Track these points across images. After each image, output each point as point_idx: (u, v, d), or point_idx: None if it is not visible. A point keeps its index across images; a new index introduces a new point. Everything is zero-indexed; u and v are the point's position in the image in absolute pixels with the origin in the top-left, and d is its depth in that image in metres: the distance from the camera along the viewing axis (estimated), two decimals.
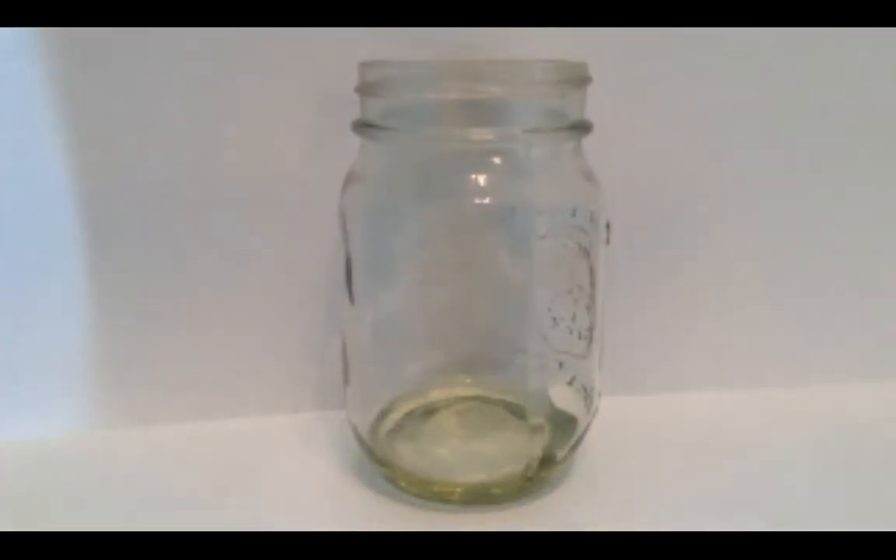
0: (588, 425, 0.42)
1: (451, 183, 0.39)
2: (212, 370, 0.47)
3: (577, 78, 0.39)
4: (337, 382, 0.43)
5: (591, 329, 0.40)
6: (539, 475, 0.40)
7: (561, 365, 0.40)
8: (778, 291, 0.50)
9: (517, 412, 0.43)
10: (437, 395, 0.44)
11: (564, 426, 0.41)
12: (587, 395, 0.41)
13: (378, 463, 0.41)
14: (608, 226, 0.41)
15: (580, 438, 0.42)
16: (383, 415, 0.43)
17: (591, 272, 0.40)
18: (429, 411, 0.44)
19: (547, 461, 0.40)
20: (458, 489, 0.40)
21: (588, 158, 0.40)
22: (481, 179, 0.38)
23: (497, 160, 0.38)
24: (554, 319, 0.40)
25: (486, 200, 0.38)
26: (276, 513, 0.40)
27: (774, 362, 0.51)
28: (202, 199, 0.45)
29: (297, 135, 0.44)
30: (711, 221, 0.49)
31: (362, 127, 0.39)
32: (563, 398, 0.41)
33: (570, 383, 0.41)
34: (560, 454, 0.41)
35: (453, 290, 0.42)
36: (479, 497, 0.40)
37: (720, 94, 0.47)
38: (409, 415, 0.43)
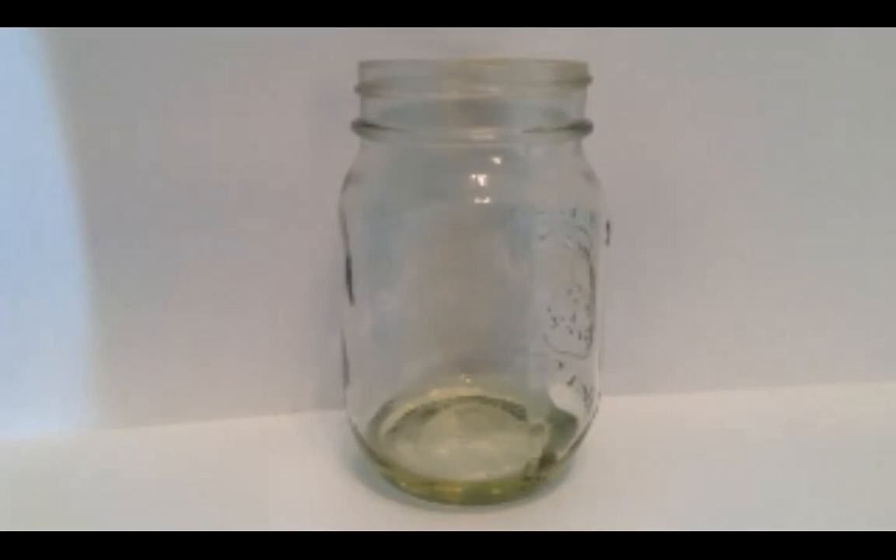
0: (588, 425, 0.42)
1: (451, 183, 0.39)
2: (212, 370, 0.47)
3: (577, 78, 0.39)
4: (337, 382, 0.43)
5: (591, 329, 0.41)
6: (539, 475, 0.40)
7: (561, 365, 0.40)
8: (778, 291, 0.50)
9: (517, 412, 0.43)
10: (437, 395, 0.44)
11: (564, 426, 0.41)
12: (587, 395, 0.41)
13: (378, 463, 0.41)
14: (608, 226, 0.41)
15: (580, 438, 0.42)
16: (383, 414, 0.43)
17: (591, 272, 0.40)
18: (429, 411, 0.44)
19: (547, 461, 0.40)
20: (457, 489, 0.40)
21: (588, 158, 0.40)
22: (481, 179, 0.38)
23: (497, 160, 0.38)
24: (554, 319, 0.40)
25: (486, 200, 0.38)
26: (276, 512, 0.40)
27: (775, 362, 0.51)
28: (202, 200, 0.45)
29: (297, 135, 0.44)
30: (712, 221, 0.49)
31: (362, 127, 0.39)
32: (563, 398, 0.41)
33: (570, 383, 0.41)
34: (560, 454, 0.41)
35: (453, 290, 0.42)
36: (479, 497, 0.40)
37: (721, 93, 0.47)
38: (409, 415, 0.43)
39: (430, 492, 0.40)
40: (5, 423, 0.45)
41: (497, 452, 0.41)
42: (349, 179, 0.40)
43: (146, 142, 0.43)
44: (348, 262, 0.40)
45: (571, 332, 0.40)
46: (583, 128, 0.39)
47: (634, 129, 0.46)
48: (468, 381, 0.45)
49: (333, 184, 0.41)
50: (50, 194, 0.43)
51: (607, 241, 0.41)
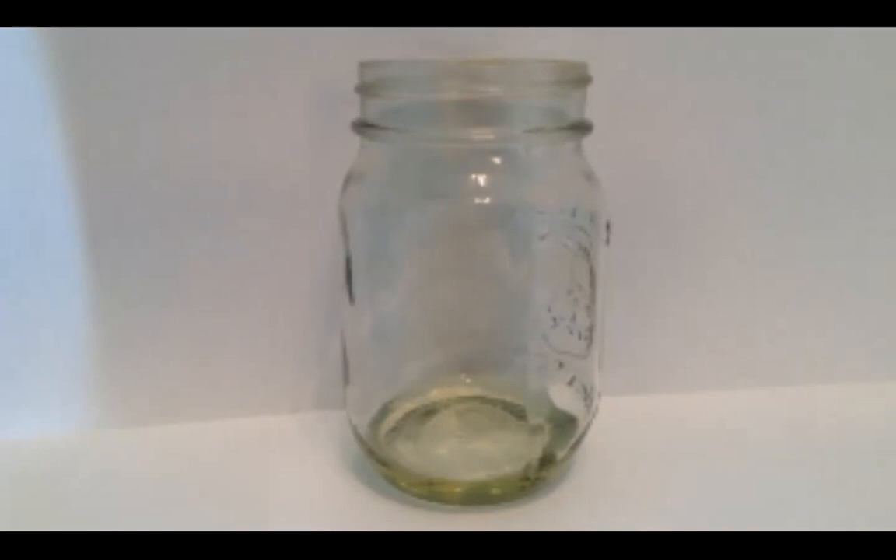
0: (588, 425, 0.42)
1: (451, 183, 0.39)
2: (212, 370, 0.47)
3: (577, 78, 0.39)
4: (337, 382, 0.43)
5: (591, 329, 0.41)
6: (539, 475, 0.40)
7: (561, 365, 0.40)
8: (778, 291, 0.50)
9: (517, 412, 0.43)
10: (437, 395, 0.44)
11: (564, 426, 0.41)
12: (587, 395, 0.41)
13: (378, 463, 0.41)
14: (608, 226, 0.41)
15: (580, 438, 0.42)
16: (383, 414, 0.43)
17: (591, 272, 0.40)
18: (429, 411, 0.44)
19: (547, 461, 0.40)
20: (457, 489, 0.40)
21: (588, 158, 0.40)
22: (481, 179, 0.38)
23: (497, 160, 0.38)
24: (554, 319, 0.40)
25: (486, 200, 0.38)
26: (276, 513, 0.40)
27: (775, 362, 0.51)
28: (202, 200, 0.45)
29: (297, 135, 0.44)
30: (712, 221, 0.49)
31: (362, 127, 0.39)
32: (563, 398, 0.41)
33: (570, 383, 0.41)
34: (560, 454, 0.41)
35: (453, 290, 0.42)
36: (479, 497, 0.40)
37: (721, 93, 0.47)
38: (409, 415, 0.43)
39: (430, 492, 0.40)
40: (5, 423, 0.45)
41: (497, 452, 0.41)
42: (349, 179, 0.40)
43: (146, 142, 0.43)
44: (348, 262, 0.40)
45: (571, 332, 0.40)
46: (583, 128, 0.39)
47: (634, 129, 0.46)
48: (468, 381, 0.45)
49: (333, 184, 0.41)
50: (50, 194, 0.43)
51: (607, 241, 0.41)
